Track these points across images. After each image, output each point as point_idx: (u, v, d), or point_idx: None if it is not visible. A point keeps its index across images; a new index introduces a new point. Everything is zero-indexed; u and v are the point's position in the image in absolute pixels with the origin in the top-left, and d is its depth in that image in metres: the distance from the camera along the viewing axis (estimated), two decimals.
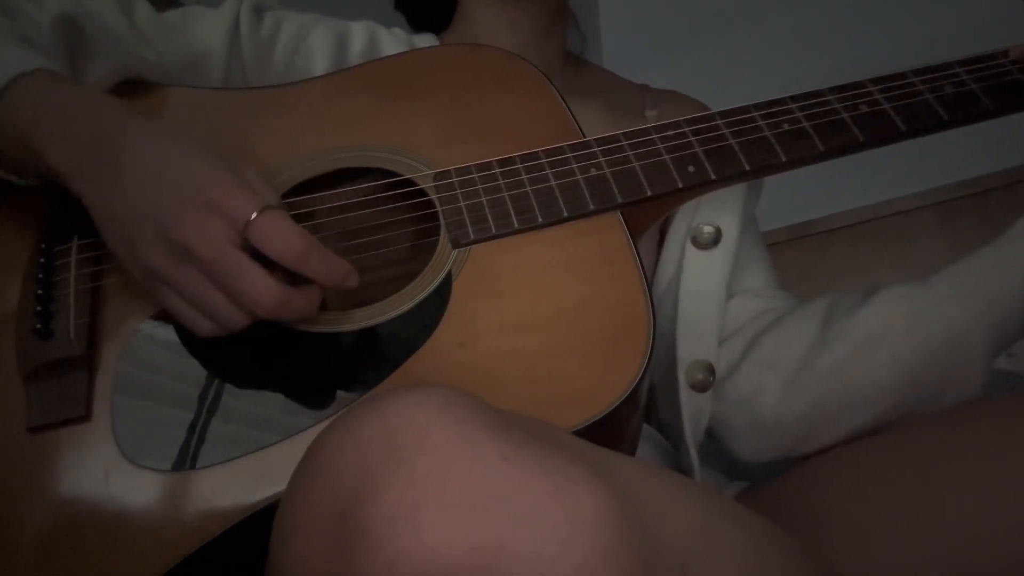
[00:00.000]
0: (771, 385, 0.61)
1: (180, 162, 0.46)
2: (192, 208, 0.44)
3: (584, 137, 0.56)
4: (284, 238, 0.44)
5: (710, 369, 0.63)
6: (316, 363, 0.48)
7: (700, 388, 0.63)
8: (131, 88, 0.59)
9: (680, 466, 0.68)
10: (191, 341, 0.49)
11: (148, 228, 0.44)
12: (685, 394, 0.63)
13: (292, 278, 0.45)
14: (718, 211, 0.66)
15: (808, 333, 0.60)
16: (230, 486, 0.44)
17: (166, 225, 0.44)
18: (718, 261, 0.65)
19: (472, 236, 0.51)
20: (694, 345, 0.63)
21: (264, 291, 0.44)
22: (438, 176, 0.54)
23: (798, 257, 1.47)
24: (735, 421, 0.63)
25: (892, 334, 0.56)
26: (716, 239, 0.65)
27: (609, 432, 0.46)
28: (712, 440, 0.66)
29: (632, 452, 0.54)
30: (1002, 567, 0.45)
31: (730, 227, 0.66)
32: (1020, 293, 0.52)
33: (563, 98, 0.59)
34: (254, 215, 0.44)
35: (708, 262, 0.65)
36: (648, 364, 0.46)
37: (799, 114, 0.55)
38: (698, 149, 0.54)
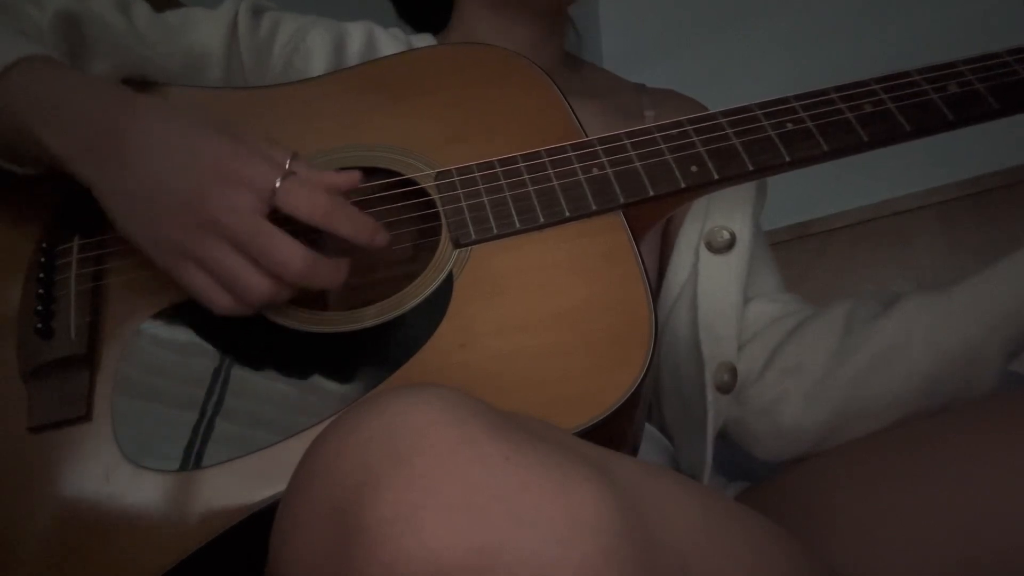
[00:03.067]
0: (793, 393, 0.62)
1: (190, 137, 0.46)
2: (216, 181, 0.45)
3: (586, 137, 0.56)
4: (310, 199, 0.45)
5: (734, 371, 0.64)
6: (317, 363, 0.48)
7: (724, 390, 0.64)
8: (132, 87, 0.58)
9: (680, 466, 0.68)
10: (192, 341, 0.49)
11: (171, 205, 0.45)
12: (711, 395, 0.63)
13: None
14: (730, 215, 0.66)
15: (829, 342, 0.61)
16: (230, 486, 0.44)
17: (193, 200, 0.45)
18: (734, 265, 0.65)
19: (474, 236, 0.51)
20: (718, 347, 0.64)
21: (295, 255, 0.45)
22: (439, 176, 0.54)
23: (798, 257, 1.47)
24: (757, 427, 0.64)
25: (911, 346, 0.57)
26: (731, 244, 0.65)
27: (611, 432, 0.46)
28: (724, 441, 0.66)
29: (634, 452, 0.54)
30: (1002, 564, 0.45)
31: (743, 231, 0.66)
32: None
33: (565, 97, 0.58)
34: (278, 182, 0.45)
35: (724, 266, 0.65)
36: (650, 364, 0.46)
37: (803, 114, 0.54)
38: (701, 149, 0.54)
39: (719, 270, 0.65)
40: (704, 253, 0.66)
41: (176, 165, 0.46)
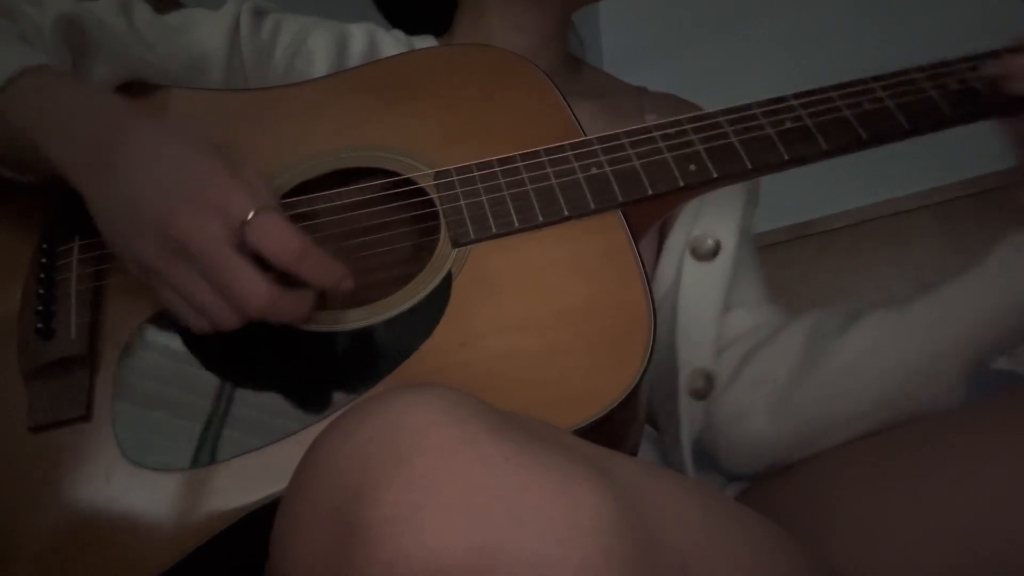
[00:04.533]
0: (758, 405, 0.61)
1: (179, 159, 0.46)
2: (189, 206, 0.44)
3: (585, 136, 0.56)
4: (279, 239, 0.44)
5: (709, 378, 0.64)
6: (316, 362, 0.48)
7: (699, 396, 0.64)
8: (133, 89, 0.59)
9: (676, 468, 0.68)
10: (191, 341, 0.49)
11: (145, 223, 0.45)
12: (684, 400, 0.63)
13: (288, 280, 0.46)
14: (716, 222, 0.66)
15: (792, 355, 0.61)
16: (229, 485, 0.44)
17: (163, 221, 0.44)
18: (717, 273, 0.65)
19: (472, 235, 0.51)
20: (694, 353, 0.64)
21: (255, 291, 0.44)
22: (438, 175, 0.54)
23: (798, 257, 1.47)
24: (723, 439, 0.63)
25: (872, 361, 0.56)
26: (715, 251, 0.65)
27: (611, 431, 0.46)
28: (701, 448, 0.66)
29: (634, 452, 0.54)
30: (1002, 564, 0.45)
31: (728, 239, 0.66)
32: (993, 323, 0.53)
33: (564, 97, 0.58)
34: (251, 215, 0.44)
35: (707, 274, 0.65)
36: (649, 362, 0.46)
37: (801, 112, 0.55)
38: (700, 147, 0.54)
39: (702, 277, 0.65)
40: (688, 260, 0.66)
41: (159, 183, 0.45)
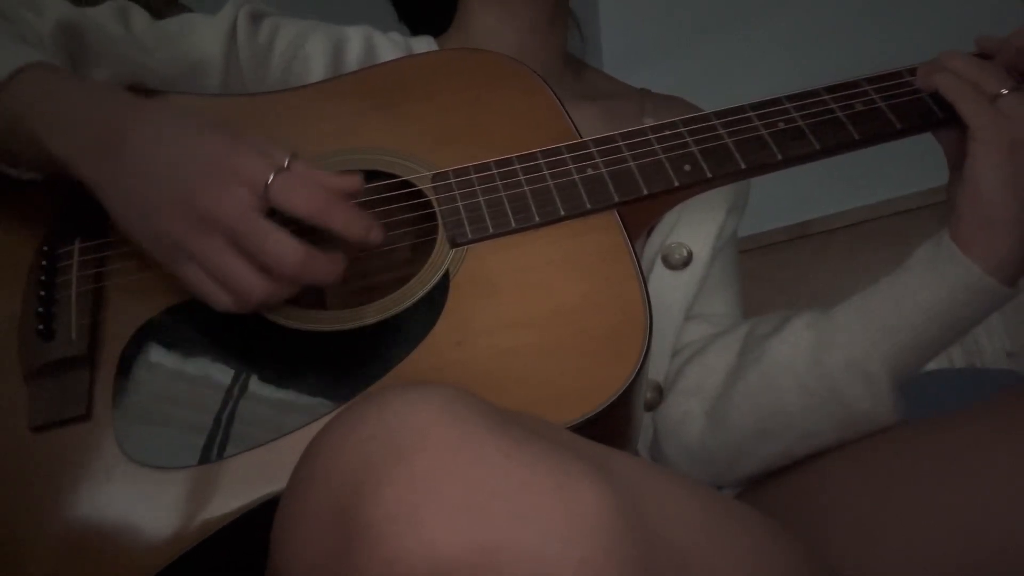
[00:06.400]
0: (696, 412, 0.61)
1: (187, 134, 0.47)
2: (211, 177, 0.45)
3: (581, 138, 0.56)
4: (304, 194, 0.45)
5: (659, 389, 0.63)
6: (314, 361, 0.48)
7: (648, 408, 0.63)
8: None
9: None
10: (191, 341, 0.49)
11: (167, 201, 0.45)
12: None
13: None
14: (693, 232, 0.66)
15: (727, 361, 0.61)
16: (229, 484, 0.44)
17: (188, 196, 0.45)
18: (684, 283, 0.65)
19: (470, 236, 0.51)
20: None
21: (289, 251, 0.44)
22: (436, 177, 0.54)
23: (798, 257, 1.47)
24: (668, 449, 0.63)
25: (797, 363, 0.56)
26: (687, 261, 0.65)
27: (611, 427, 0.46)
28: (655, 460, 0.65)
29: (634, 450, 0.54)
30: (1002, 564, 0.45)
31: (702, 251, 0.66)
32: (915, 322, 0.52)
33: (560, 100, 0.59)
34: (271, 177, 0.45)
35: (674, 283, 0.65)
36: (646, 358, 0.46)
37: (795, 113, 0.55)
38: (694, 148, 0.54)
39: (669, 286, 0.65)
40: (659, 267, 0.65)
41: (173, 160, 0.46)
